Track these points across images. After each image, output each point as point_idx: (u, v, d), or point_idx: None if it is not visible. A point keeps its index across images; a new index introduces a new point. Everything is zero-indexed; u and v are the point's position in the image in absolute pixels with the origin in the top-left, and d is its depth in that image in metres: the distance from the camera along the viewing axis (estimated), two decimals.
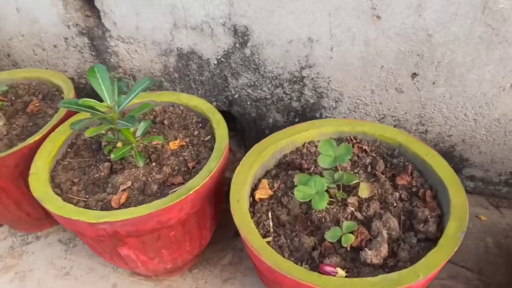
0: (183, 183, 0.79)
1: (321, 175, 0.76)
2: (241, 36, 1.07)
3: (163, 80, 1.23)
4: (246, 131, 1.29)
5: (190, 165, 0.84)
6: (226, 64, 1.15)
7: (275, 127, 1.22)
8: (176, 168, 0.84)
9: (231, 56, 1.12)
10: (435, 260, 0.62)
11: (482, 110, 0.97)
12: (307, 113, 1.16)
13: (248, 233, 0.69)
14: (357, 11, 0.93)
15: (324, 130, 0.88)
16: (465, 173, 1.10)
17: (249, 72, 1.13)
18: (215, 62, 1.15)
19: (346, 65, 1.02)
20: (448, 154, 1.08)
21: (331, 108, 1.12)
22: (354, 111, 1.10)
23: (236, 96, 1.21)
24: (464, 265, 0.96)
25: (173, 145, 0.88)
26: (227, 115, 1.28)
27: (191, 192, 0.75)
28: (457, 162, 1.09)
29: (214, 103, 1.26)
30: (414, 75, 0.98)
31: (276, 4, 0.98)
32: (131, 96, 0.78)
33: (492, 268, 0.96)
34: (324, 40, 1.00)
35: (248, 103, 1.21)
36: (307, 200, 0.69)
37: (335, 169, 0.78)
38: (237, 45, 1.09)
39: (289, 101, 1.15)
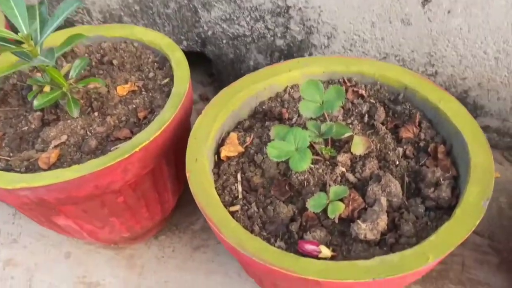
0: (130, 138, 0.62)
1: (305, 127, 0.59)
2: None
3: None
4: (223, 75, 1.10)
5: (141, 115, 0.67)
6: None
7: None
8: (124, 118, 0.67)
9: None
10: (450, 236, 0.47)
11: (507, 45, 0.79)
12: (293, 52, 0.97)
13: (207, 201, 0.53)
14: None
15: (311, 70, 0.70)
16: (479, 123, 0.94)
17: (224, 2, 0.93)
18: None
19: None
20: (460, 101, 0.91)
21: (323, 46, 0.93)
22: (350, 49, 0.91)
23: (210, 33, 1.01)
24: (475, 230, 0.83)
25: (122, 90, 0.70)
26: (202, 57, 1.09)
27: (137, 149, 0.58)
28: (470, 110, 0.91)
29: (185, 42, 1.06)
30: (425, 1, 0.78)
31: None
32: (54, 22, 0.59)
33: (505, 232, 0.83)
34: None
35: (224, 41, 1.01)
36: (284, 159, 0.53)
37: (323, 119, 0.61)
38: None
39: (272, 38, 0.96)
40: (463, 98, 0.90)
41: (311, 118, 0.60)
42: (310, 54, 0.95)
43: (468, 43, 0.81)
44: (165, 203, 0.77)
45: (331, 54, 0.93)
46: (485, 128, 0.95)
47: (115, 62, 0.76)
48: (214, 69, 1.10)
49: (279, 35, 0.95)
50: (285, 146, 0.53)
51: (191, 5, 0.97)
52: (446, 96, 0.62)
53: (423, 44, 0.84)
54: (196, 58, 1.00)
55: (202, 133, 0.61)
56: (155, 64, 0.76)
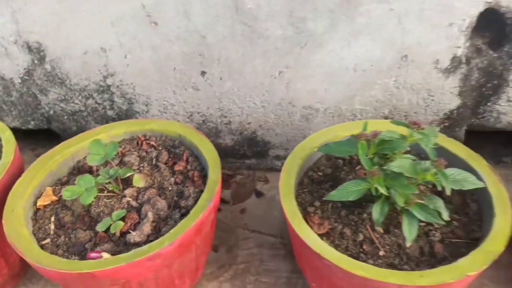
0: None
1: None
2: (36, 52, 1.09)
3: None
4: None
5: None
6: (31, 81, 1.15)
7: None
8: None
9: (33, 72, 1.13)
10: (182, 228, 0.70)
11: (265, 97, 1.11)
12: (123, 119, 1.21)
13: (18, 239, 0.71)
14: (136, 20, 1.01)
15: (115, 132, 0.94)
16: (272, 154, 1.25)
17: (56, 86, 1.15)
18: (19, 81, 1.15)
19: (143, 70, 1.09)
20: (253, 139, 1.21)
21: (144, 112, 1.19)
22: (164, 112, 1.18)
23: (51, 112, 1.21)
24: (270, 233, 1.09)
25: None
26: (51, 133, 1.28)
27: None
28: (262, 146, 1.23)
29: (32, 122, 1.25)
30: (203, 73, 1.09)
31: (59, 18, 1.02)
32: None
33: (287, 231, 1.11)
34: (116, 49, 1.06)
35: (65, 117, 1.22)
36: (75, 197, 0.74)
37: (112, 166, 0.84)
38: (35, 61, 1.10)
39: (103, 110, 1.19)
40: (254, 137, 1.21)
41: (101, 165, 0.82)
42: (136, 118, 1.20)
43: (241, 98, 1.12)
44: (9, 256, 0.92)
45: (151, 117, 1.19)
46: (277, 157, 1.26)
47: None
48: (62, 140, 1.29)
49: (108, 107, 1.18)
50: (77, 188, 0.75)
51: (30, 92, 1.17)
52: (204, 139, 0.89)
53: (213, 102, 1.14)
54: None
55: (20, 190, 0.80)
56: None
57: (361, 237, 0.70)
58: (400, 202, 0.63)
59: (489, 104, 1.06)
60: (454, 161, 0.78)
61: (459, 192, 0.74)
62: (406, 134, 0.70)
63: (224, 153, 1.24)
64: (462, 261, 0.62)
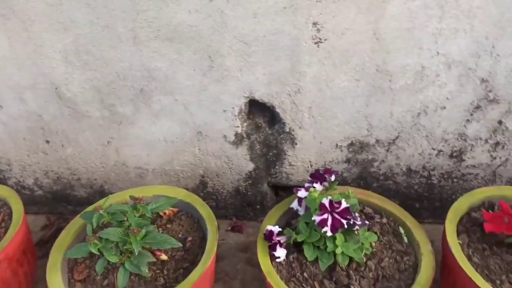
0: None
1: None
2: None
3: None
4: None
5: None
6: None
7: None
8: None
9: None
10: None
11: (102, 160, 1.35)
12: None
13: None
14: None
15: None
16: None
17: None
18: None
19: (1, 139, 1.33)
20: (103, 192, 1.44)
21: (8, 170, 1.42)
22: (24, 170, 1.41)
23: None
24: None
25: None
26: None
27: None
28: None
29: None
30: (47, 141, 1.32)
31: None
32: None
33: None
34: None
35: None
36: None
37: None
38: None
39: None
40: (102, 190, 1.44)
41: None
42: (2, 176, 1.43)
43: (84, 160, 1.36)
44: None
45: (25, 176, 1.42)
46: None
47: None
48: None
49: None
50: None
51: None
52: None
53: (62, 163, 1.38)
54: None
55: None
56: None
57: None
58: (113, 259, 0.87)
59: (277, 167, 1.32)
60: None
61: None
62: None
63: (81, 202, 1.47)
64: None
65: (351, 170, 1.30)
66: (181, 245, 0.90)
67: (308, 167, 1.30)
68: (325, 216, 0.86)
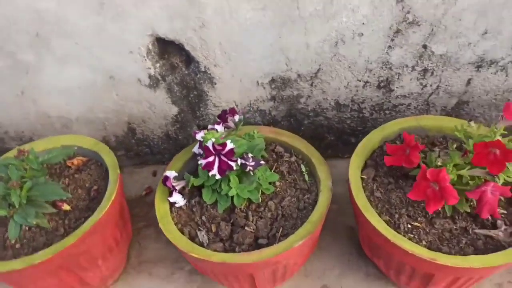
0: None
1: None
2: None
3: None
4: None
5: None
6: None
7: None
8: None
9: None
10: None
11: (23, 110, 1.31)
12: None
13: None
14: None
15: None
16: None
17: None
18: None
19: None
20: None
21: None
22: None
23: None
24: None
25: None
26: None
27: None
28: None
29: None
30: None
31: None
32: None
33: None
34: None
35: None
36: None
37: None
38: None
39: None
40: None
41: None
42: None
43: (6, 110, 1.32)
44: None
45: None
46: None
47: None
48: None
49: None
50: None
51: None
52: None
53: None
54: None
55: None
56: None
57: None
58: (2, 213, 0.85)
59: (202, 109, 1.26)
60: None
61: None
62: None
63: None
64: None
65: (279, 108, 1.24)
66: (69, 195, 0.88)
67: (234, 107, 1.24)
68: (211, 159, 0.82)
